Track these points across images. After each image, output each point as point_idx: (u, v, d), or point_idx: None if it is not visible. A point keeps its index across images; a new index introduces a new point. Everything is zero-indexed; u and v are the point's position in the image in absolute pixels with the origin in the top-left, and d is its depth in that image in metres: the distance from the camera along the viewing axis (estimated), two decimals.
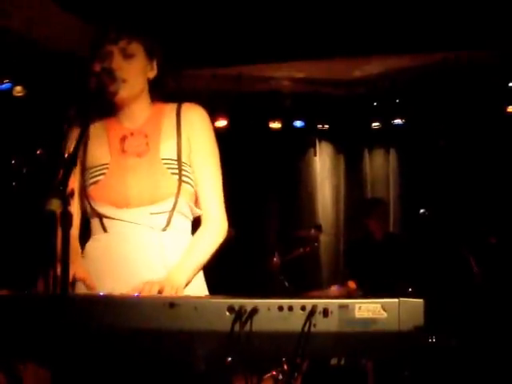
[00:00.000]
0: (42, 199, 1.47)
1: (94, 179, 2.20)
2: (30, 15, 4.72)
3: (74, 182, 2.20)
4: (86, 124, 1.92)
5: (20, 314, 1.64)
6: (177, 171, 2.19)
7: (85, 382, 1.73)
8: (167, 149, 2.22)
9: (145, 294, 1.94)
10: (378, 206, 5.68)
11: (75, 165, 1.60)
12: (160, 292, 1.96)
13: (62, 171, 1.51)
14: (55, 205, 1.43)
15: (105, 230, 2.20)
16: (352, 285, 5.13)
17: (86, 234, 2.29)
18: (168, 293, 1.97)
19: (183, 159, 2.21)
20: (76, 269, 2.04)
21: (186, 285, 2.12)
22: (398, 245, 5.39)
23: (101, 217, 2.20)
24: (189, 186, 2.22)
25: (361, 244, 5.63)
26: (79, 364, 1.65)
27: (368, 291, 4.87)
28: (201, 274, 2.27)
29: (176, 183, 2.17)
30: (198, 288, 2.22)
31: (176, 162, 2.20)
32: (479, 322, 4.80)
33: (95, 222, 2.23)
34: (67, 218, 1.43)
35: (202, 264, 2.20)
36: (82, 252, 2.24)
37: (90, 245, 2.25)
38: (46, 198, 1.46)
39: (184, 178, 2.19)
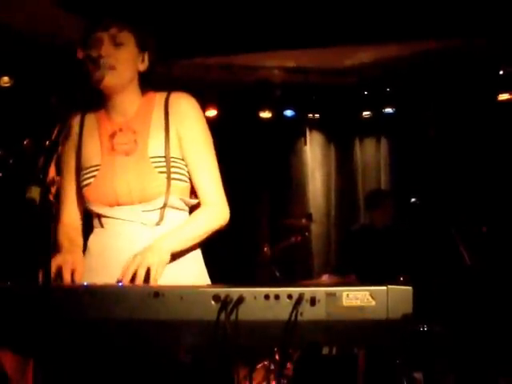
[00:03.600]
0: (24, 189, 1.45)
1: (87, 181, 2.21)
2: (16, 6, 4.68)
3: (70, 180, 2.27)
4: (69, 112, 1.90)
5: (2, 304, 1.62)
6: (165, 169, 2.17)
7: (69, 373, 1.71)
8: (155, 146, 2.20)
9: (127, 279, 1.95)
10: (383, 199, 5.67)
11: (56, 152, 1.58)
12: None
13: (42, 159, 1.49)
14: (35, 193, 1.41)
15: (102, 226, 2.23)
16: (353, 278, 5.10)
17: (88, 228, 2.32)
18: (152, 265, 1.98)
19: (172, 154, 2.20)
20: (74, 259, 2.06)
21: (175, 258, 2.12)
22: (398, 237, 5.37)
23: (98, 215, 2.22)
24: (179, 182, 2.21)
25: (360, 234, 5.62)
26: (63, 354, 1.63)
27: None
28: (200, 260, 2.27)
29: (164, 182, 2.16)
30: (199, 274, 2.24)
31: (164, 160, 2.18)
32: (471, 309, 4.80)
33: (95, 219, 2.26)
34: (47, 206, 1.41)
35: (193, 238, 2.18)
36: (85, 245, 2.26)
37: (91, 238, 2.27)
38: (26, 186, 1.44)
39: (173, 176, 2.18)
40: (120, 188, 2.16)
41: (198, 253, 2.26)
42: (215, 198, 2.25)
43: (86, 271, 2.13)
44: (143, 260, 1.98)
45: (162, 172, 2.16)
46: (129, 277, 1.94)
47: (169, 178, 2.16)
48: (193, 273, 2.21)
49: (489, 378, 4.57)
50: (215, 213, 2.24)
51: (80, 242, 2.27)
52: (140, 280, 1.93)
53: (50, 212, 1.41)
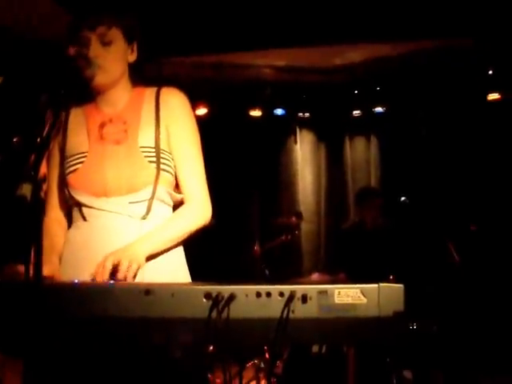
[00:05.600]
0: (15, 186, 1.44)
1: (73, 167, 2.18)
2: (4, 3, 4.65)
3: (54, 173, 2.22)
4: (60, 109, 1.89)
5: None
6: (155, 159, 2.16)
7: (58, 371, 1.70)
8: (145, 136, 2.20)
9: (98, 272, 1.93)
10: (372, 197, 5.68)
11: (47, 149, 1.58)
12: (115, 265, 1.94)
13: (33, 156, 1.48)
14: (26, 190, 1.40)
15: (84, 218, 2.18)
16: (342, 277, 5.11)
17: (68, 222, 2.27)
18: (125, 264, 1.95)
19: (162, 146, 2.19)
20: (49, 271, 2.02)
21: (153, 257, 2.10)
22: (388, 235, 5.38)
23: (80, 205, 2.18)
24: (167, 173, 2.20)
25: (352, 233, 5.63)
26: (53, 353, 1.62)
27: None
28: (182, 257, 2.25)
29: (154, 172, 2.15)
30: (179, 269, 2.22)
31: (154, 150, 2.18)
32: (460, 308, 4.81)
33: (75, 211, 2.21)
34: (39, 204, 1.40)
35: (173, 239, 2.17)
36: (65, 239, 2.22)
37: (70, 232, 2.23)
38: (17, 183, 1.43)
39: (162, 166, 2.18)
40: (109, 176, 2.14)
41: (179, 248, 2.24)
42: (198, 196, 2.24)
43: (69, 266, 2.12)
44: (115, 259, 1.95)
45: (151, 162, 2.16)
46: (103, 275, 1.92)
47: (158, 168, 2.16)
48: (172, 266, 2.18)
49: (473, 377, 4.59)
50: (197, 212, 2.22)
51: (61, 241, 2.22)
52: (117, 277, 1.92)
53: (42, 209, 1.40)
